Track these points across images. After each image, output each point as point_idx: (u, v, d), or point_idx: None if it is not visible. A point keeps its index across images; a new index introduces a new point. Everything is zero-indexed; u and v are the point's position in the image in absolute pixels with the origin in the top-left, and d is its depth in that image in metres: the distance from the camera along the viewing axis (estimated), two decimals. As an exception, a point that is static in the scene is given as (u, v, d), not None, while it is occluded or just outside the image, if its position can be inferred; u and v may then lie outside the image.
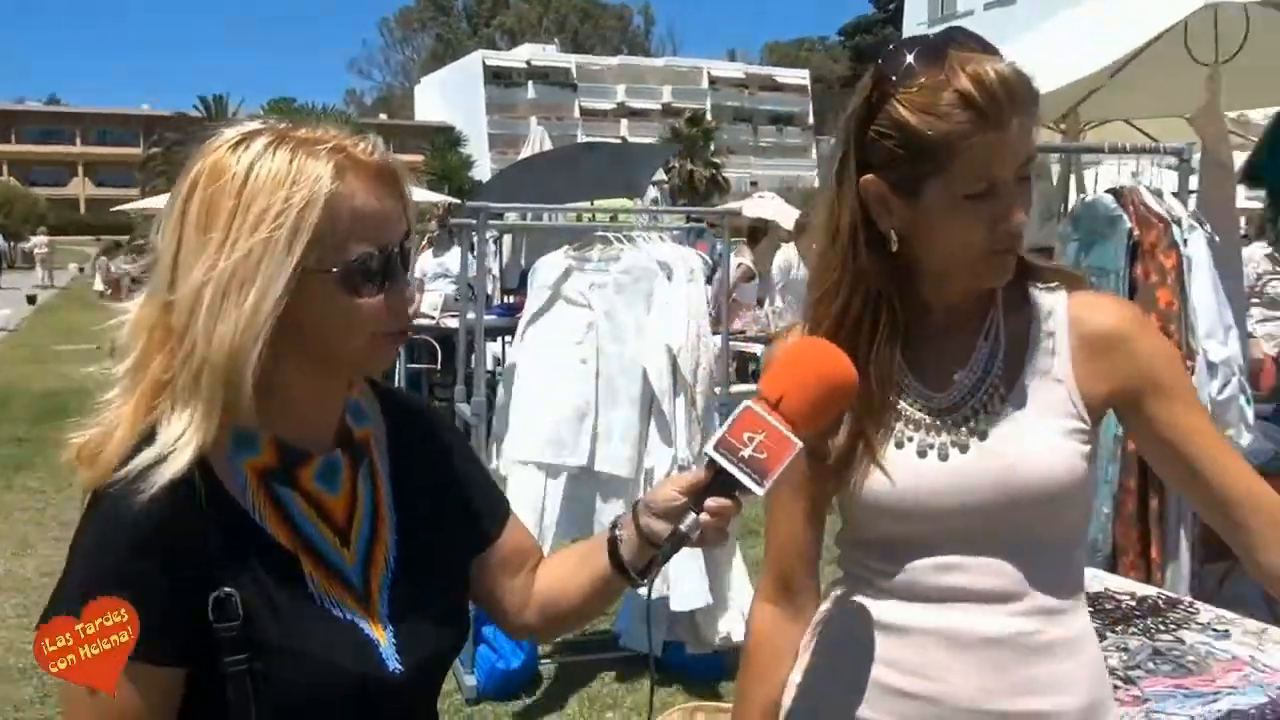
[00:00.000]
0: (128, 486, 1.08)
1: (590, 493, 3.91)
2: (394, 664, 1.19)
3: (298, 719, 1.14)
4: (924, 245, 1.30)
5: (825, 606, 1.45)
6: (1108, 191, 3.52)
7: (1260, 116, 5.55)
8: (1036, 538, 1.31)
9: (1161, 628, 2.25)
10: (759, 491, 1.16)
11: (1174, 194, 3.56)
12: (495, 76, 66.13)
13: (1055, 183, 4.91)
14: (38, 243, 35.21)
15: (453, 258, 9.48)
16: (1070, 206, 4.31)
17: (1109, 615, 2.32)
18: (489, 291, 8.61)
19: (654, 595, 1.31)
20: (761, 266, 9.98)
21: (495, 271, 9.35)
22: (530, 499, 3.80)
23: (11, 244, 39.96)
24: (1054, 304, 1.36)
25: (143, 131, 62.29)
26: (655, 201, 9.01)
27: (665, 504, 1.21)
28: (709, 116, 57.68)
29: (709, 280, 4.36)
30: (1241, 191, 5.15)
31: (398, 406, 1.35)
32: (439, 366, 8.92)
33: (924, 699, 1.31)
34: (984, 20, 27.20)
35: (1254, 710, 1.83)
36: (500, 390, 4.11)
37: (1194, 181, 3.97)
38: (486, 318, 4.52)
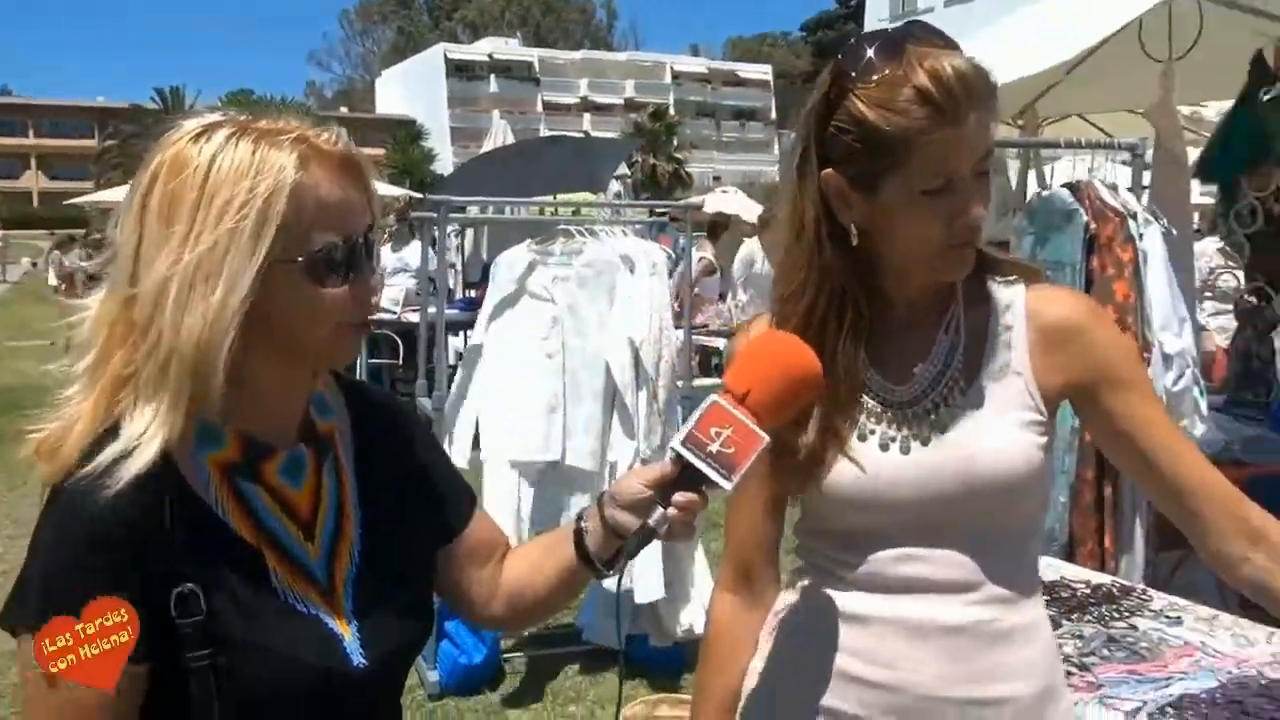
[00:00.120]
0: (93, 482, 1.07)
1: (559, 487, 3.91)
2: (358, 658, 1.19)
3: (261, 714, 1.13)
4: (884, 240, 1.31)
5: (786, 596, 1.46)
6: (1063, 186, 3.56)
7: (1213, 112, 5.62)
8: (995, 528, 1.33)
9: (1116, 615, 2.28)
10: (727, 486, 1.16)
11: (1128, 189, 3.61)
12: (457, 70, 65.78)
13: (1014, 177, 4.96)
14: (-10, 237, 34.68)
15: (412, 252, 9.42)
16: (1028, 200, 4.36)
17: (1064, 603, 2.34)
18: (450, 285, 8.57)
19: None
20: (722, 261, 10.01)
21: (458, 266, 9.30)
22: (507, 497, 3.80)
23: (-37, 238, 39.24)
24: (1012, 297, 1.37)
25: (97, 124, 61.33)
26: (618, 196, 8.99)
27: (631, 496, 1.21)
28: (672, 111, 57.62)
29: (671, 274, 4.35)
30: (1195, 187, 5.22)
31: (362, 400, 1.34)
32: (400, 361, 8.88)
33: (884, 687, 1.32)
34: (944, 16, 27.37)
35: (1205, 694, 1.86)
36: (458, 378, 4.08)
37: (1148, 176, 4.01)
38: (448, 312, 4.50)
